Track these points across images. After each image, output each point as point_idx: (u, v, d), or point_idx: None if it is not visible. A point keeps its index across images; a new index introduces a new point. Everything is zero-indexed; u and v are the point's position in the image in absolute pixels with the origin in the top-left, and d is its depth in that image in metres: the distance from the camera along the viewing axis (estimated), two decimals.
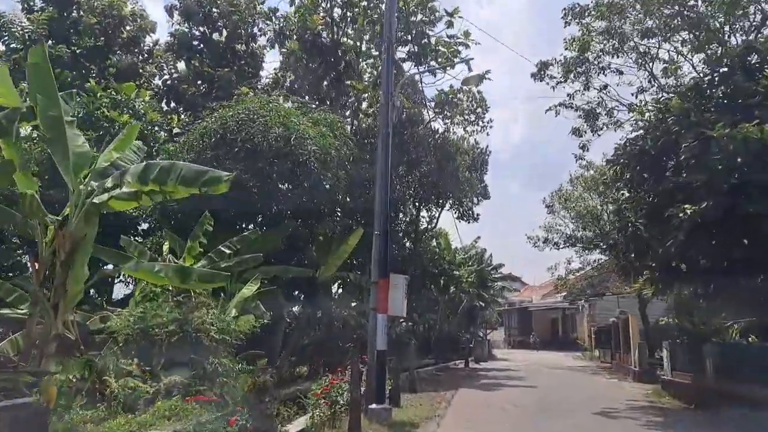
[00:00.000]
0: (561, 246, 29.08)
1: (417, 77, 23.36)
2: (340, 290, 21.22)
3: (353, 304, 20.25)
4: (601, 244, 27.25)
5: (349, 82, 23.83)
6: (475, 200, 27.70)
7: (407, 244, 30.23)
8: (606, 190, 20.72)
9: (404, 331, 25.71)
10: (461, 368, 26.57)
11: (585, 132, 16.88)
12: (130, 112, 17.11)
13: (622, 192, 14.53)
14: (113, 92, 17.55)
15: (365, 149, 21.89)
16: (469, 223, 27.60)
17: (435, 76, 24.28)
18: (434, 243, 34.83)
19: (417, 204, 27.78)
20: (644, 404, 14.31)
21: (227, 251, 12.10)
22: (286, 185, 15.65)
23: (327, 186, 16.10)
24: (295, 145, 14.93)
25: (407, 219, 29.89)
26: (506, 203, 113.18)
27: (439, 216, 29.63)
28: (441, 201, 27.33)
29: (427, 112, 24.38)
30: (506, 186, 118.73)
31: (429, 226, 30.96)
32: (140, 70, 24.77)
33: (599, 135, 16.88)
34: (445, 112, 24.26)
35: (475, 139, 27.06)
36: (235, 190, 14.54)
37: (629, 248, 14.16)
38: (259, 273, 13.73)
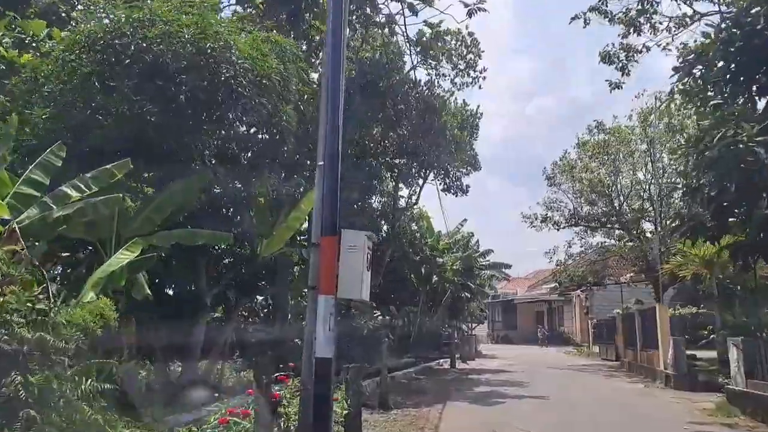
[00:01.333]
0: (563, 225, 24.56)
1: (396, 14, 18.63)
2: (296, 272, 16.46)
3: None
4: (613, 219, 22.83)
5: (310, 21, 19.00)
6: (464, 170, 22.99)
7: (384, 226, 25.58)
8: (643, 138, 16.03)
9: (379, 325, 21.05)
10: (446, 369, 21.93)
11: (618, 57, 12.20)
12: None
13: (699, 116, 9.81)
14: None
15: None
16: (457, 196, 22.93)
17: (417, 16, 19.50)
18: (415, 226, 30.29)
19: (395, 175, 23.04)
20: (718, 430, 9.75)
21: (73, 192, 7.22)
22: (204, 116, 10.74)
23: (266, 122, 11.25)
24: (215, 56, 10.07)
25: (383, 199, 25.20)
26: (492, 195, 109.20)
27: (421, 190, 24.93)
28: (424, 170, 22.60)
29: (410, 56, 19.66)
30: (487, 181, 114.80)
31: (409, 204, 26.26)
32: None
33: (636, 61, 12.23)
34: (429, 57, 19.51)
35: (464, 100, 22.40)
36: (126, 124, 9.95)
37: (719, 192, 9.04)
38: (155, 239, 8.98)
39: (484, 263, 33.90)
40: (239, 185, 12.02)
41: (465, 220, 33.49)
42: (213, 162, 11.41)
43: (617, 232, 25.17)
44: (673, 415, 11.16)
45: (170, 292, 12.56)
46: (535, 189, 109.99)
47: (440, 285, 32.32)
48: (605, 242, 25.48)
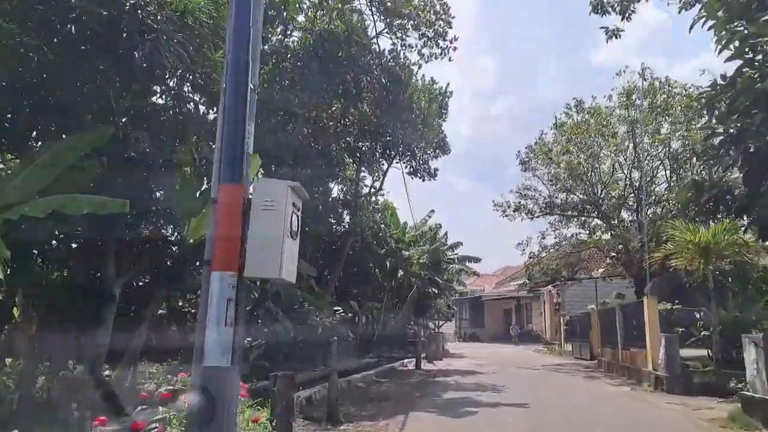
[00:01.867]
0: (536, 214, 22.74)
1: None
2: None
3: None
4: (590, 207, 21.09)
5: None
6: (432, 151, 20.95)
7: (345, 216, 23.48)
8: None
9: (339, 322, 18.92)
10: (412, 370, 19.88)
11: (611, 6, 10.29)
12: None
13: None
14: None
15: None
16: (424, 180, 20.89)
17: None
18: (379, 217, 28.23)
19: (357, 159, 20.90)
20: None
21: None
22: (105, 57, 8.39)
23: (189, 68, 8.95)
24: None
25: (344, 186, 23.06)
26: (461, 195, 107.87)
27: (385, 174, 22.83)
28: (389, 152, 20.49)
29: (373, 22, 17.55)
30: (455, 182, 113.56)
31: (373, 191, 24.17)
32: None
33: (633, 11, 10.31)
34: (393, 23, 17.41)
35: (432, 77, 20.38)
36: None
37: None
38: (27, 207, 6.72)
39: (452, 256, 32.04)
40: (156, 149, 9.66)
41: (432, 211, 31.61)
42: (122, 119, 9.07)
43: (594, 222, 23.47)
44: (679, 426, 9.30)
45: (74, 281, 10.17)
46: (499, 188, 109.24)
47: (406, 280, 30.34)
48: (580, 233, 23.73)
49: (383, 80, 17.14)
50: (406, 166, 20.92)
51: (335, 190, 22.78)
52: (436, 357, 25.89)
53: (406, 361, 22.09)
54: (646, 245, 17.16)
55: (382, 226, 28.10)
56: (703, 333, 15.19)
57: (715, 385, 13.07)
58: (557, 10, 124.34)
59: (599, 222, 23.44)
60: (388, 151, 20.35)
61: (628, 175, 20.58)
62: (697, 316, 17.91)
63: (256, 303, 14.69)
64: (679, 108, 18.87)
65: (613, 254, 22.29)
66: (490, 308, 55.56)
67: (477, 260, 32.09)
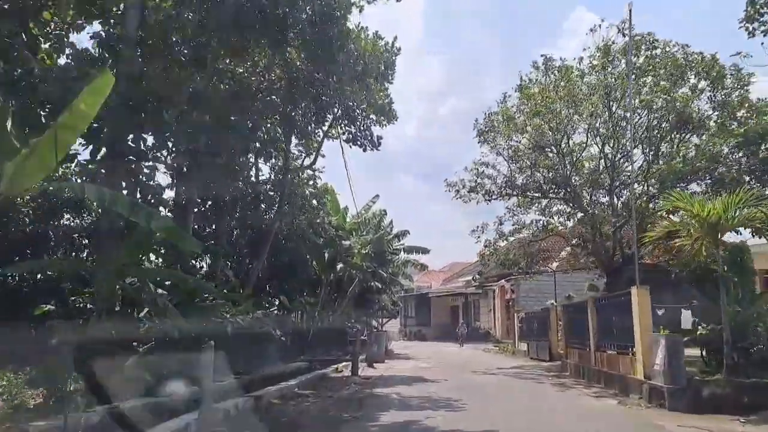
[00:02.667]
0: (495, 196, 19.48)
1: None
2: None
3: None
4: (555, 188, 17.96)
5: None
6: (375, 116, 17.30)
7: (274, 196, 19.75)
8: None
9: (260, 319, 15.24)
10: (347, 377, 16.20)
11: None
12: None
13: None
14: None
15: None
16: (365, 150, 17.21)
17: None
18: (317, 202, 24.57)
19: (285, 124, 17.08)
20: None
21: None
22: None
23: None
24: None
25: (272, 160, 19.25)
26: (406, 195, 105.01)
27: (320, 144, 19.05)
28: (324, 114, 16.75)
29: None
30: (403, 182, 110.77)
31: (305, 166, 20.42)
32: None
33: None
34: None
35: (376, 31, 16.74)
36: None
37: None
38: None
39: (398, 247, 28.60)
40: None
41: (377, 196, 28.02)
42: None
43: (556, 207, 20.43)
44: None
45: None
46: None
47: (346, 272, 26.74)
48: (540, 220, 20.65)
49: (313, 17, 13.45)
50: (344, 132, 17.23)
51: (257, 161, 18.94)
52: (378, 359, 22.35)
53: (342, 365, 18.41)
54: (635, 223, 14.06)
55: (320, 212, 24.40)
56: (700, 332, 12.18)
57: (729, 398, 10.06)
58: (504, 10, 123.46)
59: (564, 208, 20.44)
60: (322, 113, 16.61)
61: (602, 149, 17.52)
62: (684, 312, 15.09)
63: (135, 290, 10.79)
64: (663, 69, 15.96)
65: (579, 241, 19.26)
66: (437, 305, 52.62)
67: (425, 251, 28.77)
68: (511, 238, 21.22)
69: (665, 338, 10.75)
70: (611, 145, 17.28)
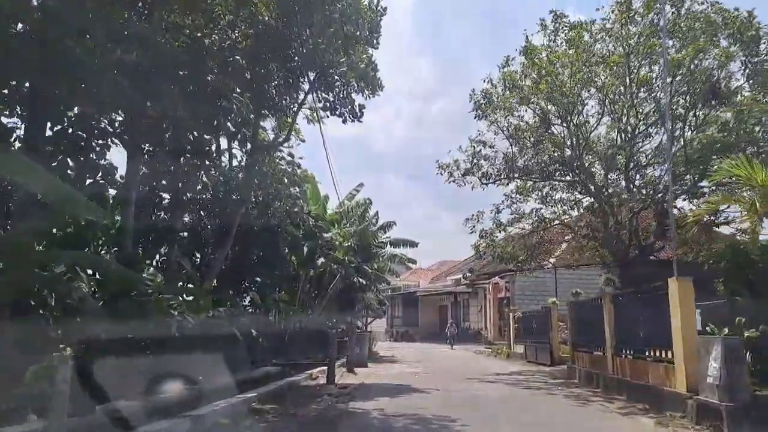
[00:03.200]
0: (493, 179, 17.07)
1: None
2: None
3: None
4: (563, 169, 15.57)
5: None
6: (356, 83, 14.74)
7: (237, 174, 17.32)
8: None
9: (218, 317, 12.76)
10: (321, 386, 13.66)
11: None
12: None
13: None
14: None
15: None
16: (345, 122, 14.65)
17: None
18: (295, 190, 22.07)
19: (254, 92, 14.51)
20: None
21: None
22: None
23: None
24: None
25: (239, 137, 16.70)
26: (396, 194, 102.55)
27: (295, 116, 16.45)
28: (298, 78, 14.19)
29: None
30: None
31: (278, 142, 17.90)
32: None
33: None
34: None
35: None
36: None
37: None
38: None
39: (384, 240, 26.08)
40: None
41: (361, 184, 25.54)
42: None
43: (559, 195, 18.07)
44: None
45: None
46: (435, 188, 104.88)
47: (327, 268, 24.16)
48: (541, 209, 18.28)
49: None
50: (320, 101, 14.70)
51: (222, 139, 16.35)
52: (360, 363, 19.85)
53: (317, 370, 15.88)
54: (670, 199, 11.64)
55: (299, 201, 21.81)
56: (749, 334, 9.80)
57: None
58: (490, 10, 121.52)
59: (568, 196, 18.09)
60: (295, 77, 14.06)
61: (620, 121, 15.09)
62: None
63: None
64: (693, 28, 13.60)
65: (587, 231, 16.88)
66: (425, 304, 50.24)
67: (413, 244, 26.28)
68: (510, 229, 18.80)
69: (721, 341, 8.34)
70: (630, 116, 14.87)
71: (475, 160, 16.63)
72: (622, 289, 13.74)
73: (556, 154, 15.86)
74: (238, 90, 14.65)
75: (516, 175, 16.77)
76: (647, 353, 11.02)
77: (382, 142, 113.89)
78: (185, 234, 16.77)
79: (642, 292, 11.65)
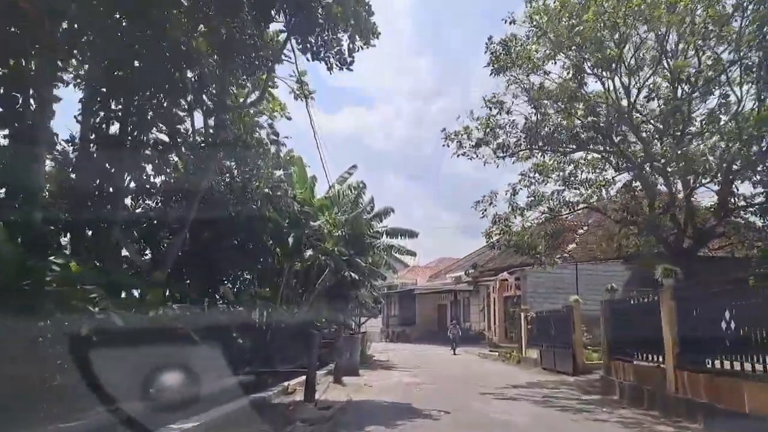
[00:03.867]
0: (512, 151, 13.94)
1: None
2: None
3: None
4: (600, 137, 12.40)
5: None
6: (344, 25, 11.53)
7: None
8: None
9: (177, 314, 9.67)
10: (296, 404, 10.47)
11: None
12: None
13: None
14: None
15: None
16: (331, 70, 11.45)
17: None
18: (281, 173, 19.11)
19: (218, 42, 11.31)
20: None
21: None
22: None
23: None
24: None
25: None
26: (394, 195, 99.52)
27: (271, 68, 13.17)
28: (267, 11, 10.99)
29: None
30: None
31: (250, 99, 14.73)
32: None
33: None
34: None
35: None
36: None
37: None
38: None
39: (380, 229, 22.91)
40: None
41: (354, 166, 22.27)
42: None
43: (586, 175, 14.98)
44: None
45: None
46: (434, 188, 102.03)
47: (316, 260, 20.93)
48: (563, 190, 15.20)
49: None
50: (300, 44, 11.49)
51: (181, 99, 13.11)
52: (350, 370, 16.73)
53: (295, 382, 12.69)
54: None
55: (283, 185, 18.64)
56: None
57: None
58: (490, 10, 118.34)
59: (595, 177, 15.00)
60: (266, 11, 10.88)
61: (679, 72, 11.91)
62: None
63: None
64: None
65: (622, 214, 13.78)
66: (423, 303, 47.10)
67: (412, 234, 23.07)
68: (528, 214, 15.68)
69: None
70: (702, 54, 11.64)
71: (489, 127, 13.48)
72: (686, 281, 10.58)
73: (589, 118, 12.74)
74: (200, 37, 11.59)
75: (540, 145, 13.65)
76: (738, 366, 7.91)
77: (380, 141, 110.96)
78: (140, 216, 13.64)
79: (730, 284, 8.52)
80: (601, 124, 12.66)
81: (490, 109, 13.60)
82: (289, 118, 19.06)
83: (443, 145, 14.42)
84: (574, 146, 13.35)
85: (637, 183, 13.05)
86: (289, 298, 19.79)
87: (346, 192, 21.64)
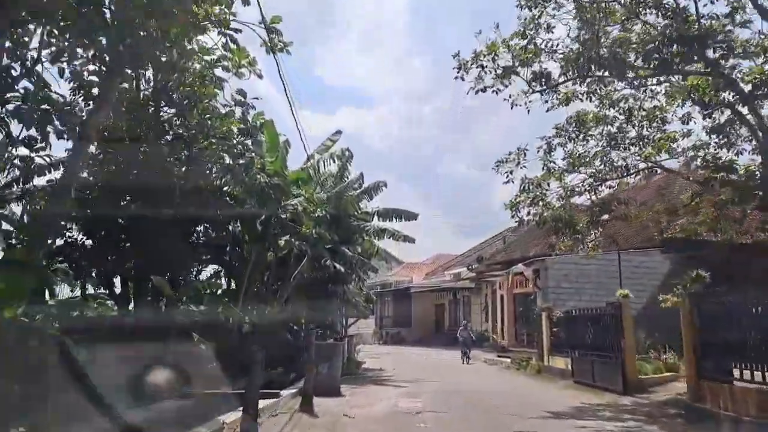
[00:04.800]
0: (554, 83, 9.61)
1: None
2: None
3: None
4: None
5: None
6: None
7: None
8: None
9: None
10: None
11: None
12: None
13: None
14: None
15: None
16: None
17: None
18: (250, 141, 14.71)
19: None
20: None
21: None
22: None
23: None
24: None
25: None
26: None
27: None
28: None
29: None
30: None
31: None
32: None
33: None
34: None
35: None
36: None
37: None
38: None
39: (370, 210, 18.52)
40: None
41: (339, 132, 17.84)
42: None
43: (636, 131, 10.72)
44: None
45: None
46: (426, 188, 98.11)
47: (291, 249, 16.40)
48: (606, 148, 11.00)
49: None
50: None
51: None
52: (329, 389, 12.36)
53: (233, 418, 8.24)
54: None
55: (248, 153, 14.23)
56: None
57: None
58: (483, 11, 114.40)
59: (649, 134, 10.74)
60: None
61: None
62: None
63: None
64: None
65: (713, 180, 9.51)
66: (420, 303, 42.86)
67: (410, 216, 18.64)
68: (567, 179, 11.41)
69: None
70: None
71: (531, 44, 9.16)
72: None
73: (673, 25, 8.46)
74: None
75: (595, 70, 9.35)
76: None
77: (377, 142, 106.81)
78: None
79: None
80: (691, 33, 8.36)
81: (533, 16, 9.23)
82: (260, 76, 14.59)
83: (456, 77, 10.08)
84: (657, 67, 8.90)
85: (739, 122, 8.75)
86: (260, 295, 15.43)
87: (329, 163, 17.27)
